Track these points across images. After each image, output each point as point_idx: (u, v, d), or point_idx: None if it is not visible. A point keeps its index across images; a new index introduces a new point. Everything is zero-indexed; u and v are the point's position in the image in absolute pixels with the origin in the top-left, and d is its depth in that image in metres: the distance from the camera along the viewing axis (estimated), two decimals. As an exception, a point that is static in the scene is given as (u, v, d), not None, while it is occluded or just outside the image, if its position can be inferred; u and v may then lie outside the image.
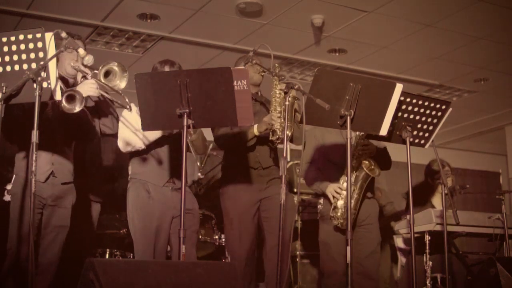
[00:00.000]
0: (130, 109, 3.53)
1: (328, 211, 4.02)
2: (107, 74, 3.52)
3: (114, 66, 3.51)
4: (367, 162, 4.00)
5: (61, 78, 3.65)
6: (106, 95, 3.57)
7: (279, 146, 3.89)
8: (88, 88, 3.51)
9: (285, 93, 3.41)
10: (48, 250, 3.56)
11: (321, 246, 4.13)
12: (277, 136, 3.86)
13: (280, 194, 3.25)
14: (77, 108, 3.34)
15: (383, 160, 4.12)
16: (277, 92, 3.91)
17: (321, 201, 4.14)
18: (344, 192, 3.92)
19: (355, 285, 3.56)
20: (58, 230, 3.60)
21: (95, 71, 3.56)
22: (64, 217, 3.62)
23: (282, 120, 3.80)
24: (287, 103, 3.45)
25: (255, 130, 3.98)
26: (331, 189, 4.01)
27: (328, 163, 4.15)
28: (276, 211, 3.76)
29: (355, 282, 3.62)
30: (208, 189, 6.00)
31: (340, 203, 3.95)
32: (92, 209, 4.14)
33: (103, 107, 3.84)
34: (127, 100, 3.48)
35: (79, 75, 3.64)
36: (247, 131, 4.00)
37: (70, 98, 3.34)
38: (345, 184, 3.93)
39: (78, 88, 3.50)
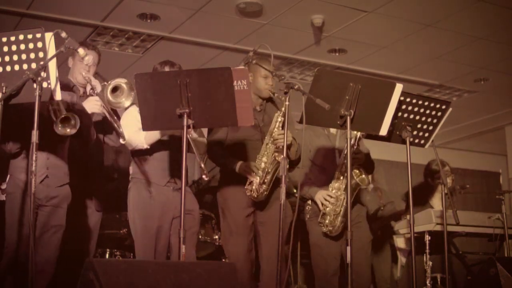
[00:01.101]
0: (124, 139, 3.60)
1: (317, 212, 4.04)
2: (114, 89, 3.55)
3: (123, 83, 3.53)
4: (357, 171, 4.01)
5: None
6: (107, 114, 3.59)
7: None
8: (92, 105, 3.63)
9: (285, 93, 3.40)
10: (45, 250, 3.54)
11: (312, 247, 4.14)
12: (249, 193, 3.84)
13: (280, 196, 3.24)
14: (71, 131, 3.25)
15: (367, 164, 4.14)
16: (269, 150, 3.81)
17: (310, 201, 4.14)
18: (333, 200, 3.95)
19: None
20: (55, 229, 3.58)
21: (105, 83, 3.59)
22: (60, 217, 3.61)
23: (262, 184, 3.81)
24: (287, 103, 3.45)
25: (237, 167, 3.91)
26: (320, 196, 4.02)
27: (316, 168, 4.16)
28: (272, 217, 3.84)
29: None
30: (208, 189, 5.98)
31: (329, 210, 3.97)
32: (93, 217, 4.11)
33: (108, 121, 3.87)
34: (121, 130, 3.57)
35: (89, 86, 3.72)
36: (233, 163, 3.92)
37: (66, 121, 3.24)
38: (334, 191, 3.97)
39: (84, 104, 3.60)
